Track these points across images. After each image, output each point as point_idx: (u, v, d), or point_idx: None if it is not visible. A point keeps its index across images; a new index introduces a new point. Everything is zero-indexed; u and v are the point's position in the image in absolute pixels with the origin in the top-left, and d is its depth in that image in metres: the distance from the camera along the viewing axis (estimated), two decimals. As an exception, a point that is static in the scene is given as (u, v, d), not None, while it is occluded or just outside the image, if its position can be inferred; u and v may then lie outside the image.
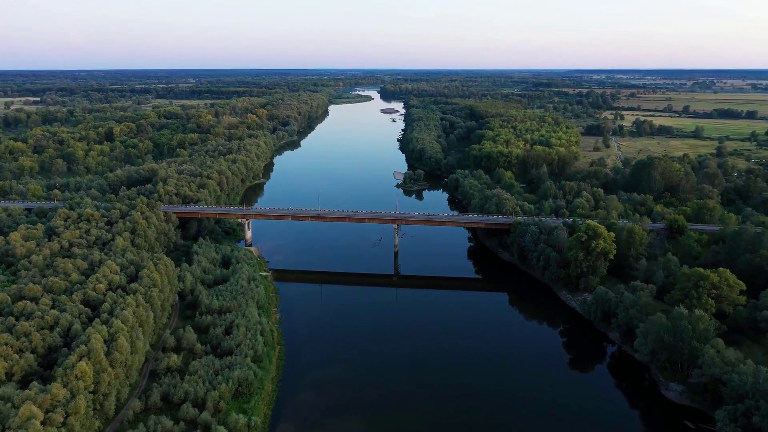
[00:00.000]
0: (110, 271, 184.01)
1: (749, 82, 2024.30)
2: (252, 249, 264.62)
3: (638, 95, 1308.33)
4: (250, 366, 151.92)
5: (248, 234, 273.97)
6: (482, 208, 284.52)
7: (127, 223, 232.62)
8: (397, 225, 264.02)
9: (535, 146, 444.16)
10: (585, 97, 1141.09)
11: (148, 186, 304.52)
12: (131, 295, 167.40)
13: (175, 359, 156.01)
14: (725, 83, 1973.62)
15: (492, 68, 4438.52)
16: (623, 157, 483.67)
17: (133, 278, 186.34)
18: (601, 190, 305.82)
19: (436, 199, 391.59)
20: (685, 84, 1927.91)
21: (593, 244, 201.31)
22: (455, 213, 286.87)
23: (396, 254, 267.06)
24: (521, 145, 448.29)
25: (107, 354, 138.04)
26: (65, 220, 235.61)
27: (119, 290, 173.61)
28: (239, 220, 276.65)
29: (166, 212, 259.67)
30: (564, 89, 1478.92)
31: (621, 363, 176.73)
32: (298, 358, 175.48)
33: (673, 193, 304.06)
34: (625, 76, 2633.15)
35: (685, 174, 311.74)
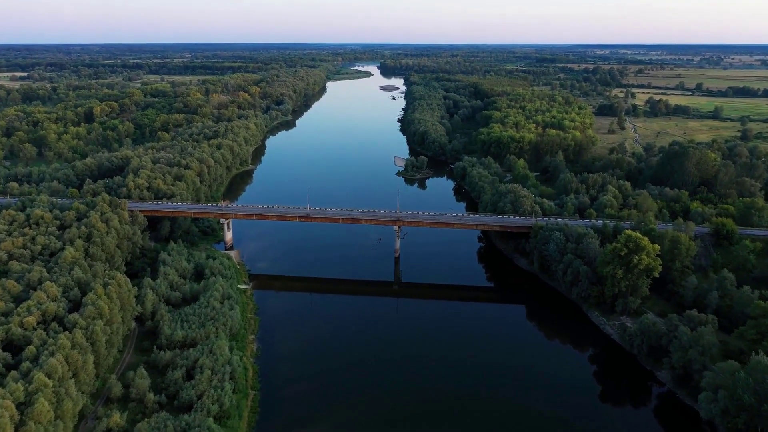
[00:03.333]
0: (47, 297, 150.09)
1: (758, 58, 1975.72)
2: (232, 253, 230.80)
3: (646, 72, 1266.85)
4: (212, 430, 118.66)
5: (228, 235, 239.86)
6: (495, 205, 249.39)
7: (83, 227, 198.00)
8: (399, 227, 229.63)
9: (547, 130, 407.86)
10: (592, 73, 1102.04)
11: (117, 178, 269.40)
12: (66, 332, 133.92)
13: (117, 419, 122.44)
14: (733, 59, 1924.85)
15: (493, 43, 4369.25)
16: (641, 140, 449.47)
17: (78, 304, 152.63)
18: (628, 184, 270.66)
19: (441, 190, 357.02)
20: (693, 60, 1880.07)
21: (635, 260, 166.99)
22: (465, 213, 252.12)
23: (397, 260, 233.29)
24: (533, 129, 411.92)
25: (18, 426, 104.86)
26: (10, 224, 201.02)
27: (54, 323, 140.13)
28: (219, 220, 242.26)
29: (132, 211, 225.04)
30: (569, 65, 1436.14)
31: (673, 409, 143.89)
32: (276, 407, 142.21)
33: (709, 187, 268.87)
34: (629, 52, 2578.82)
35: (724, 165, 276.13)
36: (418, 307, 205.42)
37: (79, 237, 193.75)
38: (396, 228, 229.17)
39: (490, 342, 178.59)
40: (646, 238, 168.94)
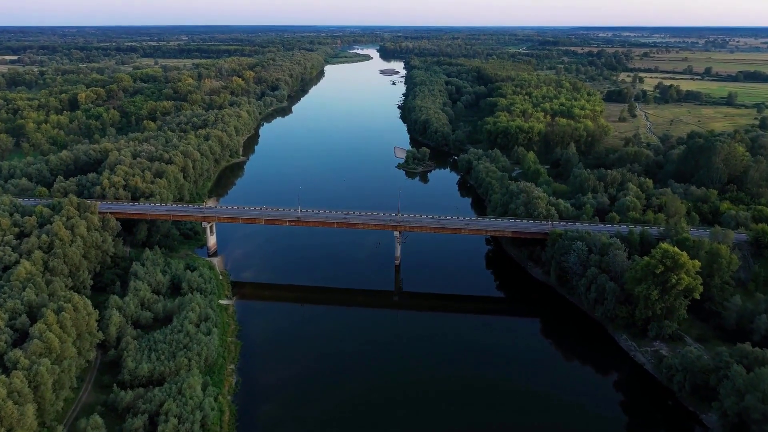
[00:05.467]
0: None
1: (763, 40, 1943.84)
2: (215, 261, 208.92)
3: (652, 55, 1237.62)
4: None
5: (211, 240, 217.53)
6: (506, 207, 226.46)
7: (44, 236, 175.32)
8: (400, 232, 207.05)
9: (557, 118, 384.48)
10: (596, 56, 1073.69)
11: (91, 175, 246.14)
12: (3, 376, 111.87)
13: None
14: (738, 42, 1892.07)
15: (493, 25, 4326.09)
16: (654, 128, 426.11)
17: (25, 334, 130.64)
18: (649, 181, 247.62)
19: (445, 184, 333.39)
20: (698, 43, 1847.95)
21: (673, 279, 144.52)
22: (472, 217, 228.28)
23: (397, 268, 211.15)
24: (541, 117, 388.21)
25: None
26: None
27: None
28: (201, 223, 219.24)
29: (104, 214, 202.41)
30: (572, 48, 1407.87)
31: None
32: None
33: (738, 185, 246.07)
34: (632, 34, 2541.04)
35: (755, 161, 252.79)
36: (421, 320, 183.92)
37: (39, 247, 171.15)
38: (396, 233, 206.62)
39: (502, 359, 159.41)
40: (685, 254, 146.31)
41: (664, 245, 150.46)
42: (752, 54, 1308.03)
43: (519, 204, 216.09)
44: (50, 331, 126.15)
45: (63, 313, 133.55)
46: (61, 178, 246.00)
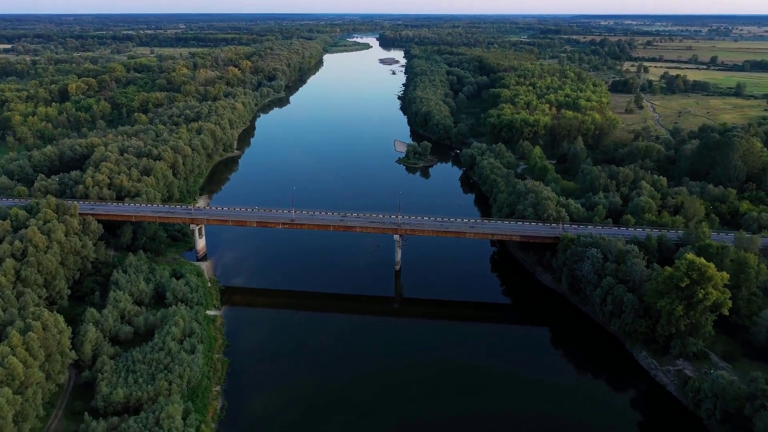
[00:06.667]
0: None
1: (767, 29, 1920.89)
2: (203, 266, 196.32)
3: (655, 44, 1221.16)
4: None
5: (200, 243, 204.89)
6: (512, 208, 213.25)
7: (17, 242, 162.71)
8: (400, 235, 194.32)
9: (562, 110, 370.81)
10: (599, 45, 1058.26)
11: (74, 173, 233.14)
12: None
13: None
14: (742, 30, 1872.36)
15: (494, 13, 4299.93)
16: (661, 120, 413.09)
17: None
18: (663, 179, 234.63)
19: (446, 179, 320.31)
20: (701, 31, 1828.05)
21: (700, 294, 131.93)
22: (477, 220, 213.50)
23: (398, 273, 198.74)
24: (547, 110, 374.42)
25: None
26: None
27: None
28: (190, 226, 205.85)
29: (85, 216, 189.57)
30: (574, 36, 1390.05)
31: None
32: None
33: (758, 183, 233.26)
34: (634, 22, 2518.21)
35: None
36: (423, 329, 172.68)
37: (12, 255, 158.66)
38: (397, 237, 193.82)
39: (508, 371, 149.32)
40: (712, 266, 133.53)
41: (690, 255, 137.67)
42: (756, 42, 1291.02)
43: (527, 205, 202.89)
44: (14, 354, 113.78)
45: (30, 333, 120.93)
46: (43, 176, 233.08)
